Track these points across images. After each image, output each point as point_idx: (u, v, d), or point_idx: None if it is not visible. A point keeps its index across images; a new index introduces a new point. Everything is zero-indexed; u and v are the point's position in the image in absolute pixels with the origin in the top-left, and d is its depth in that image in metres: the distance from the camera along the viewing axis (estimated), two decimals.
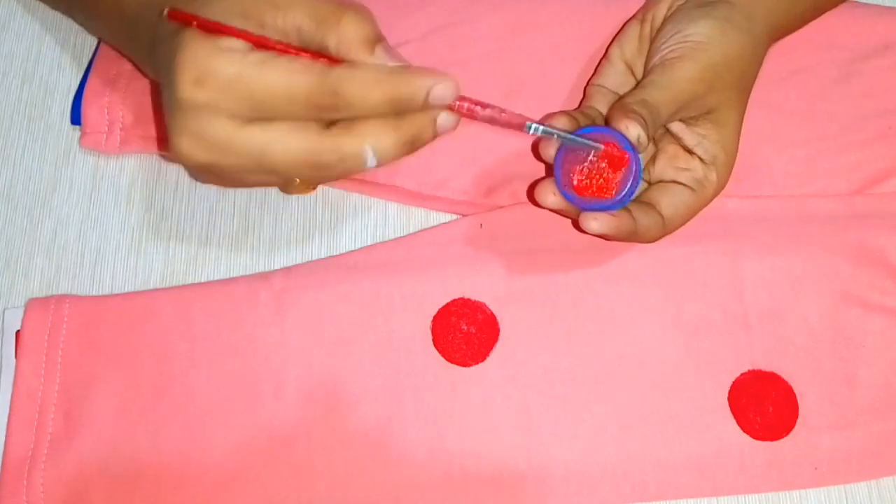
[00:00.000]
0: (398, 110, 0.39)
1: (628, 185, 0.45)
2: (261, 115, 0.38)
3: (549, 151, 0.47)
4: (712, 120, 0.48)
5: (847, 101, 0.55)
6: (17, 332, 0.49)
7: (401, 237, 0.53)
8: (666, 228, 0.48)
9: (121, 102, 0.53)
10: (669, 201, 0.48)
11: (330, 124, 0.39)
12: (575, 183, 0.46)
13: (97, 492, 0.46)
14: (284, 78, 0.37)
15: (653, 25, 0.50)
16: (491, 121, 0.42)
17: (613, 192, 0.45)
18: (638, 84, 0.48)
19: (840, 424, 0.48)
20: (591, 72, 0.54)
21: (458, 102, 0.40)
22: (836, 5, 0.55)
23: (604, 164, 0.45)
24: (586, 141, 0.45)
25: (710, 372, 0.49)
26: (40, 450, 0.47)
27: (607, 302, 0.50)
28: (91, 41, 0.56)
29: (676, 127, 0.48)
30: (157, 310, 0.49)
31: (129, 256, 0.52)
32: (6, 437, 0.47)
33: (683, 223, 0.49)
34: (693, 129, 0.48)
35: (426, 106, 0.39)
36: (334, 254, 0.52)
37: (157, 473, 0.46)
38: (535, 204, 0.48)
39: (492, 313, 0.49)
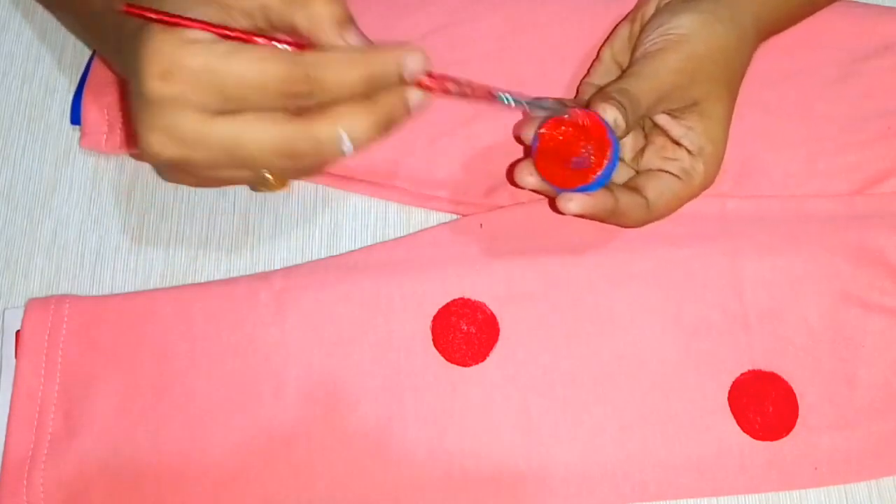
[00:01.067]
0: (373, 89, 0.38)
1: (605, 166, 0.45)
2: (231, 106, 0.37)
3: (528, 133, 0.47)
4: (698, 112, 0.48)
5: (847, 102, 0.55)
6: (17, 332, 0.49)
7: (401, 237, 0.53)
8: (650, 212, 0.48)
9: (121, 103, 0.53)
10: (654, 185, 0.48)
11: (298, 113, 0.38)
12: (553, 165, 0.46)
13: (97, 492, 0.46)
14: (255, 66, 0.36)
15: (641, 24, 0.51)
16: (462, 94, 0.41)
17: (590, 174, 0.45)
18: (621, 75, 0.48)
19: (840, 424, 0.48)
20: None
21: (427, 79, 0.40)
22: (830, 2, 0.55)
23: (584, 148, 0.45)
24: (554, 105, 0.45)
25: (710, 372, 0.49)
26: (40, 450, 0.47)
27: (607, 302, 0.50)
28: None
29: (663, 119, 0.49)
30: (157, 310, 0.49)
31: (129, 256, 0.52)
32: (6, 437, 0.47)
33: (669, 211, 0.49)
34: (679, 122, 0.48)
35: (400, 81, 0.38)
36: (334, 254, 0.52)
37: (158, 473, 0.46)
38: (514, 184, 0.48)
39: (492, 313, 0.49)
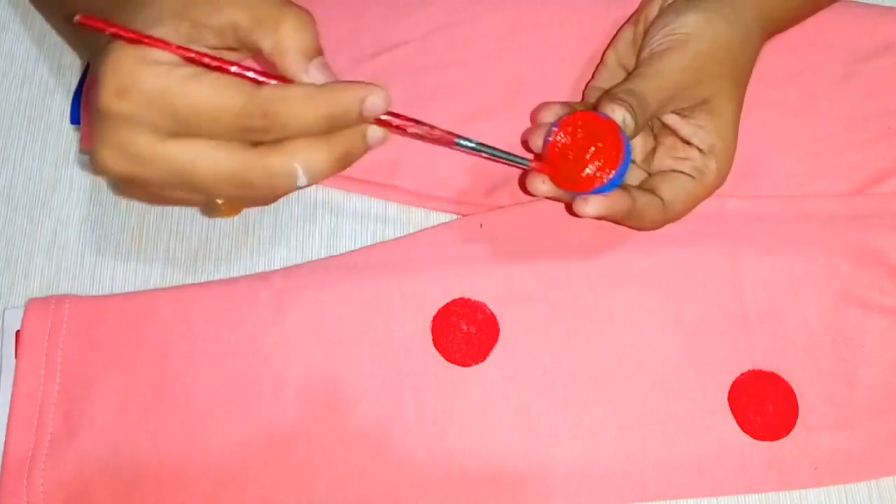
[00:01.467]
0: (332, 127, 0.38)
1: (619, 166, 0.45)
2: (184, 131, 0.37)
3: (537, 139, 0.47)
4: (707, 110, 0.48)
5: (847, 101, 0.55)
6: (17, 332, 0.49)
7: (401, 237, 0.53)
8: (666, 213, 0.48)
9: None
10: (669, 186, 0.48)
11: (254, 143, 0.38)
12: (566, 170, 0.46)
13: (97, 492, 0.46)
14: (211, 97, 0.36)
15: (645, 26, 0.51)
16: (423, 136, 0.42)
17: (603, 175, 0.45)
18: (627, 76, 0.48)
19: (840, 424, 0.48)
20: (591, 72, 0.54)
21: (386, 117, 0.39)
22: (832, 1, 0.55)
23: (596, 151, 0.45)
24: (513, 157, 0.45)
25: (710, 372, 0.49)
26: (40, 450, 0.47)
27: (607, 302, 0.50)
28: None
29: (672, 119, 0.49)
30: (157, 310, 0.49)
31: (129, 256, 0.52)
32: (6, 437, 0.47)
33: (685, 211, 0.49)
34: (689, 121, 0.48)
35: (360, 119, 0.38)
36: (334, 254, 0.52)
37: (158, 473, 0.46)
38: (527, 193, 0.48)
39: (492, 313, 0.49)
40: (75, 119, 0.54)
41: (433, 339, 0.49)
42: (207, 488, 0.46)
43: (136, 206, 0.53)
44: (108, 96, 0.36)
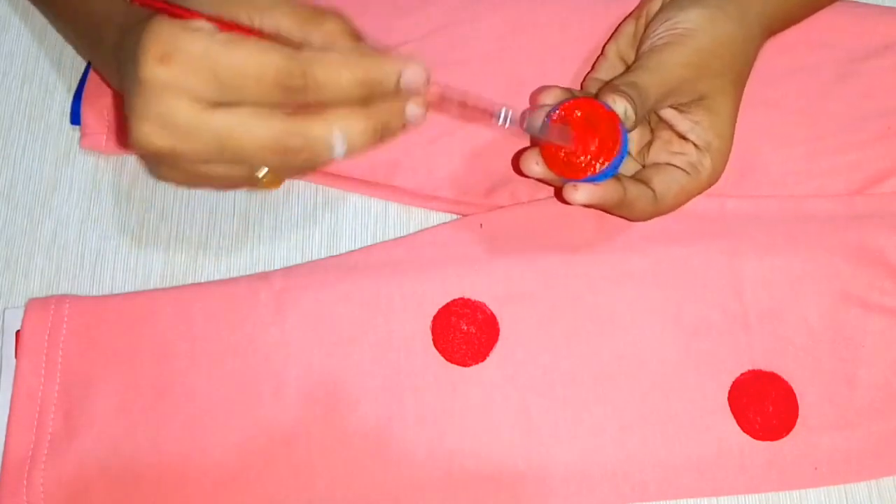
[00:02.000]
0: (368, 95, 0.38)
1: (615, 156, 0.45)
2: (226, 96, 0.37)
3: (535, 123, 0.47)
4: (705, 107, 0.48)
5: (846, 101, 0.55)
6: (17, 332, 0.49)
7: (401, 237, 0.53)
8: (657, 205, 0.48)
9: (121, 103, 0.53)
10: (662, 178, 0.48)
11: (294, 113, 0.38)
12: (561, 155, 0.46)
13: (97, 492, 0.46)
14: (253, 57, 0.36)
15: (646, 21, 0.51)
16: (461, 114, 0.41)
17: (598, 164, 0.45)
18: (627, 69, 0.48)
19: (840, 424, 0.48)
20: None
21: (428, 90, 0.39)
22: (832, 1, 0.55)
23: (593, 138, 0.45)
24: (546, 131, 0.45)
25: (710, 372, 0.49)
26: (40, 450, 0.47)
27: (607, 302, 0.50)
28: None
29: (669, 114, 0.49)
30: (157, 310, 0.49)
31: (129, 256, 0.52)
32: (6, 437, 0.47)
33: (676, 204, 0.49)
34: (686, 116, 0.49)
35: (397, 91, 0.38)
36: (334, 254, 0.52)
37: (158, 473, 0.46)
38: (519, 173, 0.48)
39: (492, 313, 0.49)
40: (75, 119, 0.54)
41: (433, 339, 0.49)
42: (207, 488, 0.46)
43: (136, 207, 0.53)
44: (151, 63, 0.36)
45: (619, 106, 0.45)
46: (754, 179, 0.53)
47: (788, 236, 0.51)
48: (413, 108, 0.39)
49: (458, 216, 0.53)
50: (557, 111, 0.46)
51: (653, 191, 0.48)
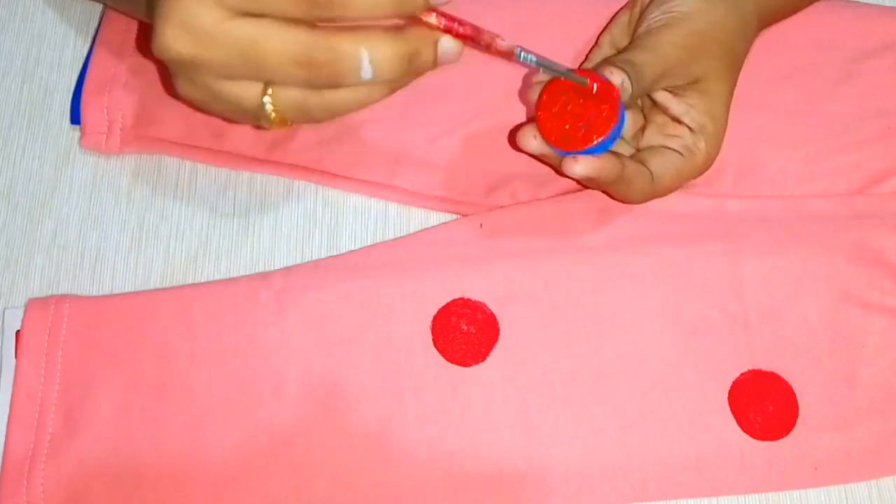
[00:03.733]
0: (397, 13, 0.37)
1: (612, 127, 0.45)
2: (252, 6, 0.36)
3: (532, 94, 0.47)
4: (699, 90, 0.48)
5: (847, 101, 0.55)
6: (17, 332, 0.49)
7: (401, 237, 0.53)
8: (655, 186, 0.48)
9: (120, 103, 0.53)
10: (658, 161, 0.49)
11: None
12: (560, 127, 0.45)
13: (97, 492, 0.46)
14: None
15: (641, 9, 0.51)
16: (486, 47, 0.41)
17: (595, 136, 0.45)
18: (623, 49, 0.49)
19: (840, 424, 0.48)
20: None
21: (456, 26, 0.39)
22: None
23: (590, 110, 0.45)
24: (572, 74, 0.45)
25: (710, 372, 0.49)
26: (40, 450, 0.47)
27: (607, 302, 0.50)
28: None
29: (663, 97, 0.49)
30: (157, 310, 0.49)
31: (129, 256, 0.52)
32: (6, 437, 0.47)
33: (673, 186, 0.49)
34: (681, 99, 0.49)
35: (425, 6, 0.37)
36: (334, 254, 0.52)
37: (158, 473, 0.46)
38: (516, 148, 0.48)
39: (492, 313, 0.49)
40: (75, 118, 0.54)
41: (433, 339, 0.49)
42: (207, 488, 0.46)
43: (136, 206, 0.53)
44: None
45: (617, 77, 0.45)
46: (754, 180, 0.53)
47: (788, 236, 0.51)
48: (447, 42, 0.39)
49: (458, 216, 0.53)
50: (552, 83, 0.46)
51: (650, 172, 0.48)
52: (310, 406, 0.48)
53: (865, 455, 0.48)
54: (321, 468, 0.47)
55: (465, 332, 0.49)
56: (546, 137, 0.46)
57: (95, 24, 0.57)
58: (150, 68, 0.54)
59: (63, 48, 0.57)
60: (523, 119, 0.53)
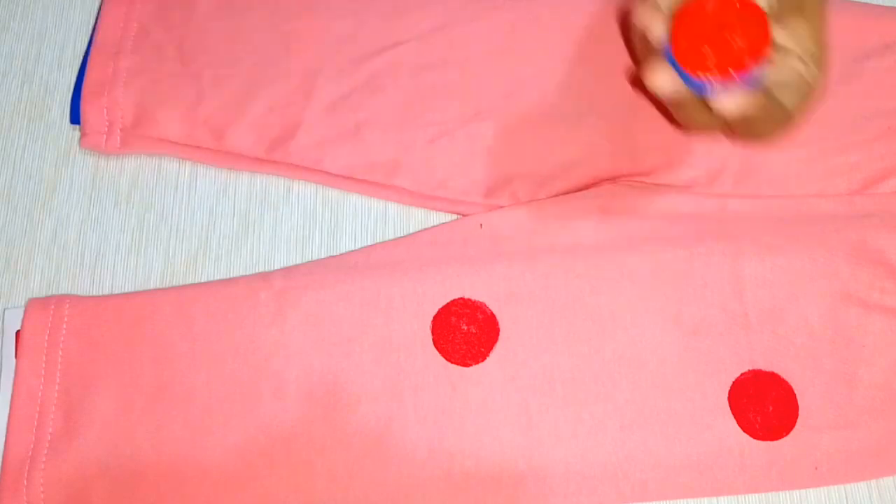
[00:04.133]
0: None
1: (766, 50, 0.38)
2: None
3: (656, 29, 0.42)
4: (805, 17, 0.45)
5: (847, 101, 0.55)
6: (17, 332, 0.49)
7: (401, 237, 0.53)
8: (788, 118, 0.45)
9: (120, 103, 0.53)
10: (784, 92, 0.44)
11: None
12: (703, 49, 0.38)
13: (97, 492, 0.46)
14: None
15: None
16: None
17: (750, 60, 0.37)
18: None
19: (840, 424, 0.48)
20: (592, 72, 0.54)
21: None
22: None
23: (737, 30, 0.38)
24: None
25: (710, 372, 0.49)
26: (40, 450, 0.47)
27: (607, 302, 0.50)
28: None
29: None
30: (157, 310, 0.49)
31: (129, 256, 0.52)
32: (6, 437, 0.47)
33: (800, 119, 0.46)
34: (785, 27, 0.44)
35: None
36: (334, 254, 0.52)
37: (158, 473, 0.46)
38: (640, 89, 0.44)
39: (492, 313, 0.49)
40: (75, 118, 0.54)
41: (433, 339, 0.49)
42: (207, 488, 0.46)
43: (136, 206, 0.53)
44: None
45: (763, 0, 0.41)
46: (755, 180, 0.53)
47: (789, 236, 0.51)
48: None
49: (458, 216, 0.53)
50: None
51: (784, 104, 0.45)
52: (310, 406, 0.48)
53: (865, 455, 0.48)
54: (321, 468, 0.47)
55: (465, 332, 0.49)
56: (682, 63, 0.39)
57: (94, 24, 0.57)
58: (151, 68, 0.54)
59: (63, 48, 0.57)
60: (523, 119, 0.53)
